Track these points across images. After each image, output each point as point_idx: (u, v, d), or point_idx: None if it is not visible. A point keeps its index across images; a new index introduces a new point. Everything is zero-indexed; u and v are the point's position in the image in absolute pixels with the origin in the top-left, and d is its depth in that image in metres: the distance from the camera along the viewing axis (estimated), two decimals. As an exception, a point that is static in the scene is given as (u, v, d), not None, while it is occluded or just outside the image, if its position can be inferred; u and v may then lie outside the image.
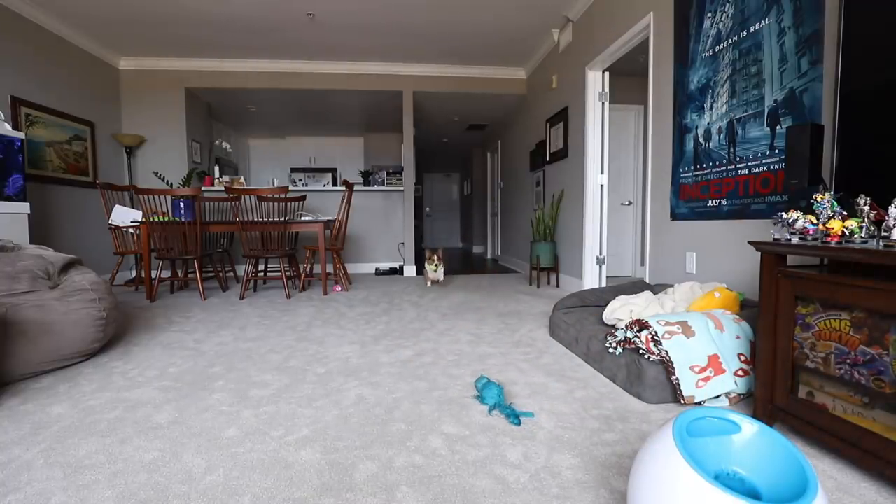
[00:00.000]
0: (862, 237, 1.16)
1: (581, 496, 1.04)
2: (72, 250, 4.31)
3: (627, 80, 4.59)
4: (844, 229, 1.17)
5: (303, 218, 4.06)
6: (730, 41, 2.27)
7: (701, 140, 2.49)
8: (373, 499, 1.04)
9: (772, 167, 2.03)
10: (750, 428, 0.85)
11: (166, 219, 3.72)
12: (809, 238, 1.27)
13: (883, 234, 1.08)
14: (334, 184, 7.67)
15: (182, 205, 3.67)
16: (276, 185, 5.20)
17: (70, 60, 4.43)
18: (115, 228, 4.15)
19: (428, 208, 11.15)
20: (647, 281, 2.97)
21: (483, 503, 1.02)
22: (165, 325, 2.80)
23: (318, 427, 1.40)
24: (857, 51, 1.42)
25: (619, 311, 2.06)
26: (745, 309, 1.91)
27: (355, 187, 5.47)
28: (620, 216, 4.97)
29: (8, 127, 3.09)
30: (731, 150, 2.26)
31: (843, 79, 1.45)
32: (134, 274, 4.90)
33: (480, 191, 9.16)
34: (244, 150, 8.18)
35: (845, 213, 1.22)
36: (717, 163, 2.36)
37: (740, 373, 1.56)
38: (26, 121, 3.90)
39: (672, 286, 2.29)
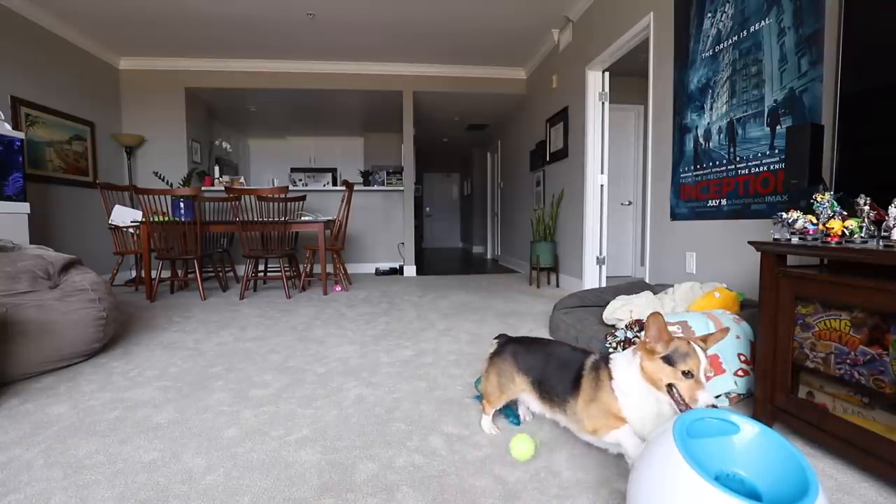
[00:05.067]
0: (862, 237, 1.16)
1: (581, 496, 1.04)
2: (72, 250, 4.30)
3: (627, 80, 4.59)
4: (844, 229, 1.17)
5: (303, 218, 4.05)
6: (730, 41, 2.27)
7: (701, 140, 2.49)
8: (373, 499, 1.04)
9: (772, 167, 2.03)
10: (750, 429, 0.85)
11: (166, 219, 3.72)
12: (809, 238, 1.27)
13: (883, 234, 1.08)
14: (334, 184, 7.67)
15: (182, 205, 3.67)
16: (276, 185, 5.20)
17: (70, 60, 4.43)
18: (115, 228, 4.15)
19: (428, 208, 11.15)
20: (647, 281, 2.96)
21: (483, 503, 1.02)
22: (165, 325, 2.80)
23: (319, 427, 1.40)
24: (857, 51, 1.42)
25: (619, 311, 2.06)
26: (745, 309, 1.91)
27: (355, 187, 5.47)
28: (620, 216, 4.97)
29: (8, 127, 3.09)
30: (731, 150, 2.26)
31: (843, 79, 1.45)
32: (134, 274, 4.90)
33: (480, 191, 9.15)
34: (244, 150, 8.18)
35: (845, 213, 1.22)
36: (717, 163, 2.36)
37: (740, 373, 1.56)
38: (26, 121, 3.90)
39: (672, 286, 2.29)
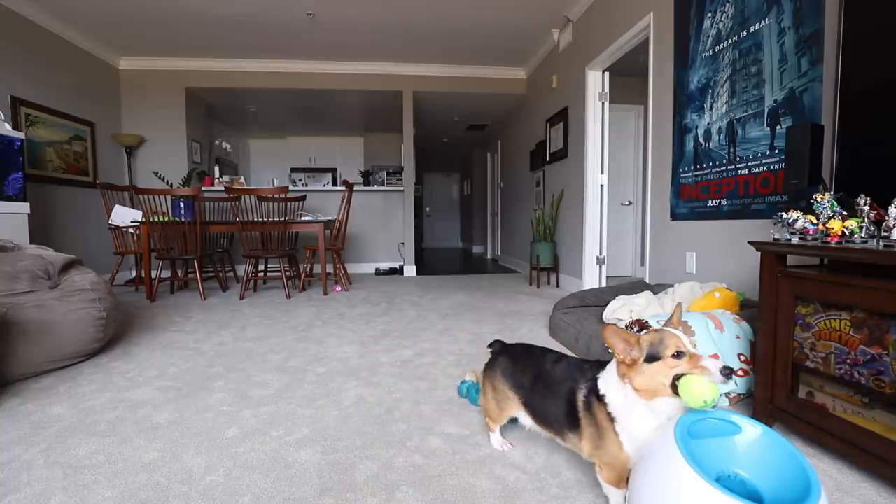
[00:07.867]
0: (862, 237, 1.16)
1: (581, 496, 1.04)
2: (72, 250, 4.30)
3: (627, 80, 4.59)
4: (844, 229, 1.17)
5: (303, 218, 4.05)
6: (730, 41, 2.27)
7: (701, 140, 2.49)
8: (373, 499, 1.04)
9: (772, 167, 2.03)
10: (752, 430, 0.85)
11: (166, 219, 3.72)
12: (809, 238, 1.27)
13: (883, 234, 1.08)
14: (334, 184, 7.67)
15: (182, 205, 3.67)
16: (276, 185, 5.20)
17: (70, 60, 4.43)
18: (115, 228, 4.15)
19: (428, 208, 11.15)
20: (647, 281, 2.96)
21: (483, 503, 1.02)
22: (165, 325, 2.79)
23: (318, 427, 1.40)
24: (857, 51, 1.42)
25: (620, 311, 2.06)
26: (745, 309, 1.91)
27: (355, 187, 5.47)
28: (620, 216, 4.97)
29: (8, 127, 3.09)
30: (732, 150, 2.26)
31: (843, 79, 1.45)
32: (134, 274, 4.90)
33: (480, 191, 9.15)
34: (244, 150, 8.18)
35: (845, 213, 1.22)
36: (717, 163, 2.36)
37: (740, 373, 1.56)
38: (26, 121, 3.90)
39: (672, 286, 2.29)
